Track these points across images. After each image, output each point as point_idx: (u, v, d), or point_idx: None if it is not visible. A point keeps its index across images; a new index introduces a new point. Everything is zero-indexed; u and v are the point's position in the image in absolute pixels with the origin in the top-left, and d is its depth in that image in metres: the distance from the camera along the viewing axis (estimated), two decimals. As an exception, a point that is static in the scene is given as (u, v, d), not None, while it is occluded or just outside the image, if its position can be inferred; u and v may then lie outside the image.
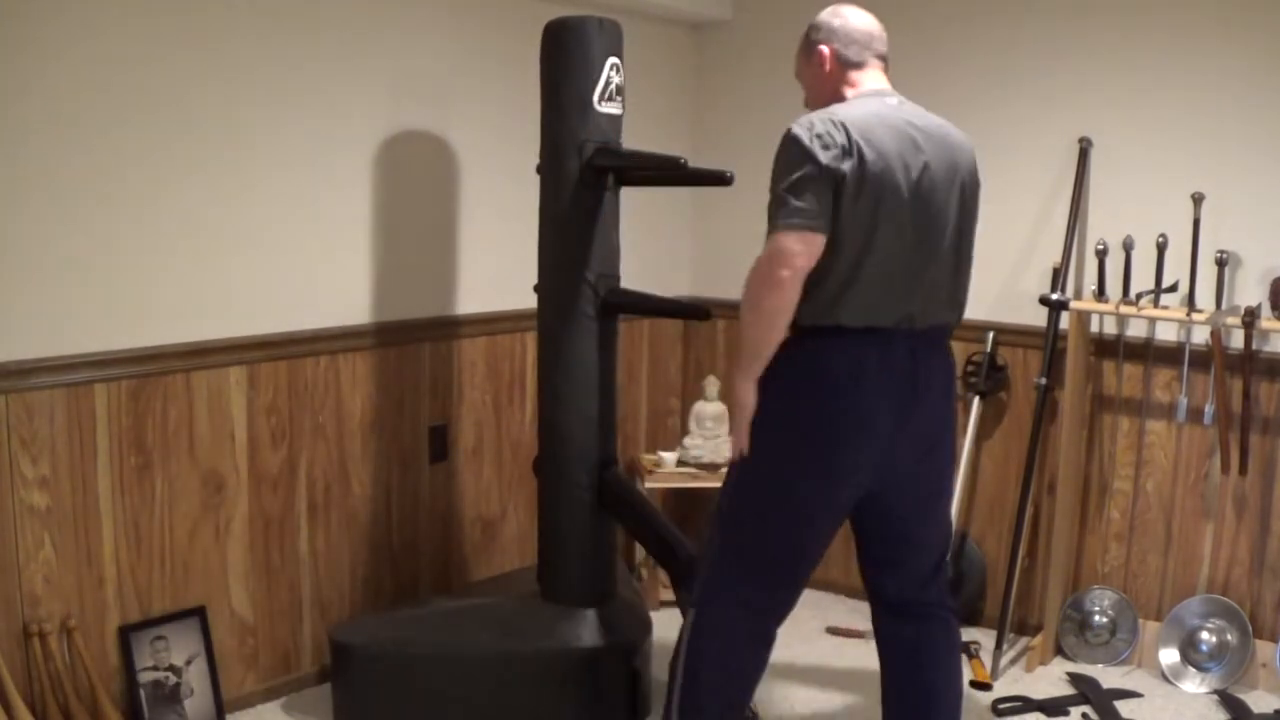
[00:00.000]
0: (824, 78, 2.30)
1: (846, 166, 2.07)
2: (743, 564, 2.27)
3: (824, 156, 2.06)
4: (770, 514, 2.24)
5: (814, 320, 2.16)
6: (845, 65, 2.28)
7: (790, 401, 2.19)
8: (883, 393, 2.16)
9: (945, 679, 2.38)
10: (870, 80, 2.28)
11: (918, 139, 2.17)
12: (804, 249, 2.07)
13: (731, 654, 2.30)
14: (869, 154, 2.08)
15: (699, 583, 2.32)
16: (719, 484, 3.73)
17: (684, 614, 2.38)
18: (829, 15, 2.32)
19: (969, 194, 2.27)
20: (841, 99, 2.26)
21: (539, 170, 2.76)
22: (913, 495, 2.31)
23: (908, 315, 2.17)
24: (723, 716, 2.31)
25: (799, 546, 2.28)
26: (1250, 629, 3.09)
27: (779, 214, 2.09)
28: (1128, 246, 3.17)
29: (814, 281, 2.12)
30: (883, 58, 2.31)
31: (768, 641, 2.34)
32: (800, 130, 2.10)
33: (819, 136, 2.08)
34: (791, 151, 2.09)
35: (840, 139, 2.08)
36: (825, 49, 2.29)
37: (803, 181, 2.07)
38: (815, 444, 2.18)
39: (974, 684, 3.11)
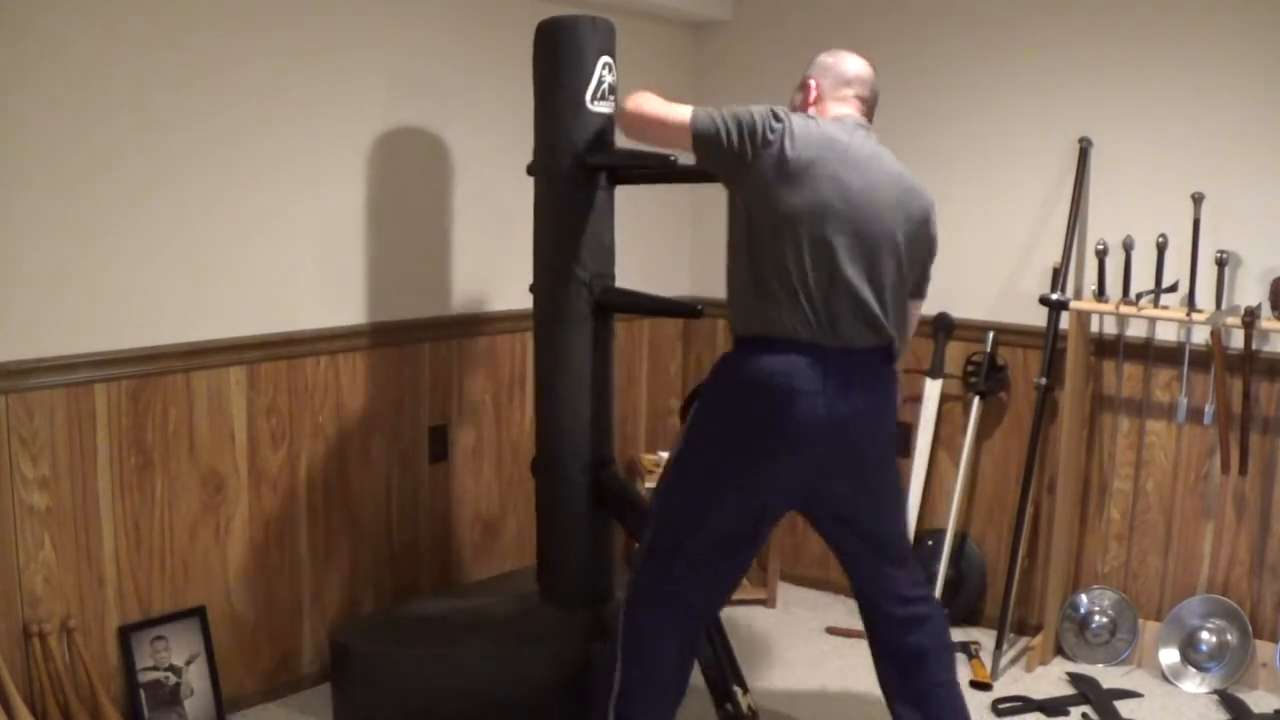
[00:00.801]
0: (804, 108, 2.42)
1: (777, 156, 2.19)
2: (672, 556, 2.36)
3: (773, 125, 2.21)
4: (695, 513, 2.33)
5: (744, 330, 2.27)
6: (824, 99, 2.40)
7: (719, 408, 2.29)
8: (808, 407, 2.19)
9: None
10: (846, 110, 2.37)
11: (868, 167, 2.24)
12: (672, 129, 2.30)
13: (662, 642, 2.39)
14: (810, 167, 2.18)
15: (632, 574, 2.42)
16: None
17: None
18: (827, 54, 2.45)
19: (920, 240, 2.33)
20: None
21: (530, 170, 2.77)
22: (855, 512, 2.39)
23: (833, 333, 2.21)
24: (659, 703, 2.40)
25: (723, 544, 2.36)
26: (1250, 629, 3.08)
27: (713, 113, 2.26)
28: (1128, 246, 3.17)
29: (742, 289, 2.26)
30: (863, 99, 2.40)
31: (695, 633, 2.45)
32: (767, 108, 2.26)
33: (789, 119, 2.22)
34: (758, 108, 2.24)
35: (803, 135, 2.20)
36: (813, 82, 2.42)
37: (744, 120, 2.22)
38: (737, 450, 2.26)
39: (974, 684, 3.11)
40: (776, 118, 2.22)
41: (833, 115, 2.35)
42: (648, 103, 2.37)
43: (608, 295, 2.74)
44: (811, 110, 2.38)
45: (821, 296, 2.19)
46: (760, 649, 3.37)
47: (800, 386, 2.18)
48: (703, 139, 2.26)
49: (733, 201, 2.31)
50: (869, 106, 2.41)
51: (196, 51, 2.65)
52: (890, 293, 2.27)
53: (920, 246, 2.35)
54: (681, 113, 2.30)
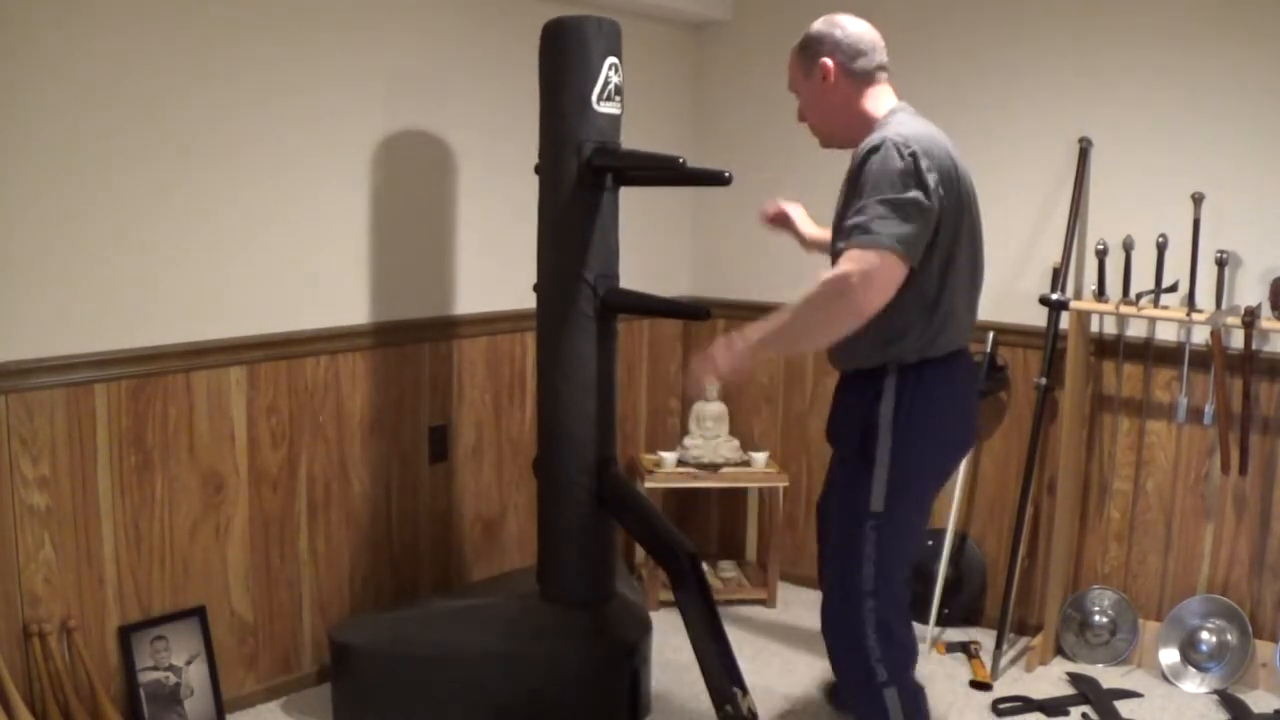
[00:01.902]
0: (829, 91, 2.25)
1: (944, 196, 2.08)
2: (896, 592, 2.30)
3: (930, 188, 2.03)
4: (913, 532, 2.37)
5: (921, 353, 2.18)
6: (853, 78, 2.22)
7: (921, 426, 2.20)
8: (971, 406, 2.37)
9: None
10: (888, 96, 2.25)
11: (957, 157, 2.21)
12: (893, 279, 2.04)
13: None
14: (951, 182, 2.10)
15: (884, 625, 2.25)
16: (719, 484, 3.76)
17: (875, 670, 2.28)
18: (827, 26, 2.26)
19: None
20: (859, 113, 2.22)
21: (537, 170, 2.77)
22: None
23: (969, 332, 2.30)
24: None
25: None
26: (1250, 629, 3.09)
27: (885, 229, 1.99)
28: (1128, 246, 3.17)
29: (920, 312, 2.14)
30: (886, 69, 2.27)
31: None
32: (909, 149, 2.03)
33: (926, 157, 2.03)
34: (905, 171, 2.02)
35: (940, 168, 2.07)
36: (829, 62, 2.23)
37: (912, 206, 2.02)
38: (939, 462, 2.33)
39: (974, 684, 3.12)
40: (929, 181, 2.03)
41: (886, 110, 2.19)
42: (827, 296, 2.06)
43: (613, 296, 2.74)
44: (830, 92, 2.23)
45: (967, 302, 2.26)
46: (760, 649, 3.37)
47: (968, 387, 2.33)
48: (896, 263, 2.04)
49: None
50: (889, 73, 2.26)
51: (196, 57, 2.65)
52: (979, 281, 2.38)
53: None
54: (868, 274, 2.01)
